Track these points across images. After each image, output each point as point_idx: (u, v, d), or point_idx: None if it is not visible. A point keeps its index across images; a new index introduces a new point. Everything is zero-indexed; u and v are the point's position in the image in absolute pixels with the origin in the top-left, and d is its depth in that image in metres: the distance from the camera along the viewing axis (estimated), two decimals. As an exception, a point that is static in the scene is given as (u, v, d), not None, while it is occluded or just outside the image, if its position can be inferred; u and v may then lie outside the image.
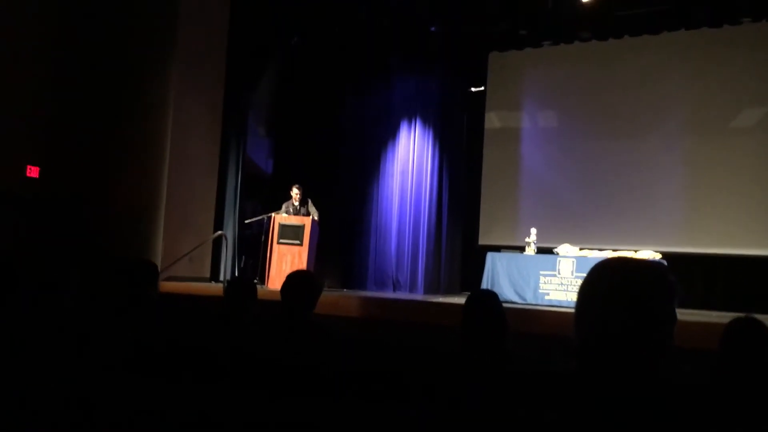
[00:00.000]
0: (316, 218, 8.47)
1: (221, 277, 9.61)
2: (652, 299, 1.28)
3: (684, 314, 6.86)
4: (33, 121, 7.01)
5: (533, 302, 8.14)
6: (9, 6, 6.96)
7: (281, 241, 8.32)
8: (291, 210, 8.55)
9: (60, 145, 7.03)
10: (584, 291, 1.35)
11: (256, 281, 4.68)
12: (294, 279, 3.31)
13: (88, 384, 1.85)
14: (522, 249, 8.84)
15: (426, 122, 10.82)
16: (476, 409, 1.47)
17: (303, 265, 8.00)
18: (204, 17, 9.50)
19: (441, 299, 8.61)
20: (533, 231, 8.81)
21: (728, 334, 2.58)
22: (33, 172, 7.07)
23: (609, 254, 7.83)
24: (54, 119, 7.03)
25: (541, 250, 8.69)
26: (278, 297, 3.26)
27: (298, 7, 9.98)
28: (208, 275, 9.87)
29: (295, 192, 8.58)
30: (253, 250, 9.45)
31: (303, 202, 8.61)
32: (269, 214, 8.69)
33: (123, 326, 2.88)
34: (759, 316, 2.63)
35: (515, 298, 8.28)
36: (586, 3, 8.90)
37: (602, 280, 1.33)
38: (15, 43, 6.95)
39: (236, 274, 9.86)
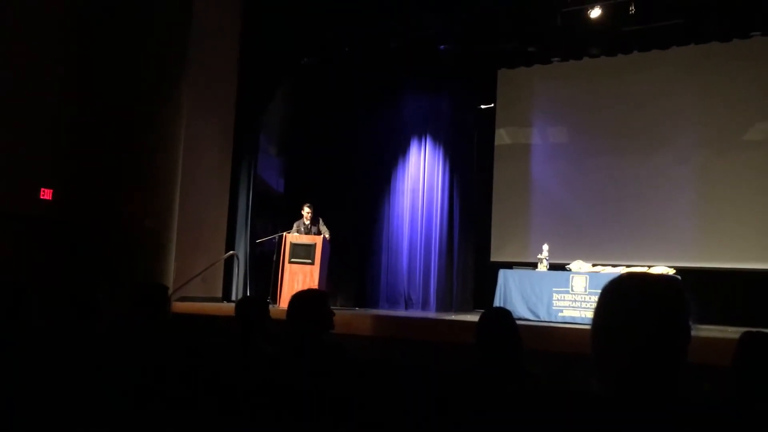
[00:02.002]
0: (327, 237, 8.46)
1: (233, 297, 9.62)
2: (669, 315, 1.26)
3: (699, 330, 6.79)
4: (46, 144, 7.07)
5: (547, 319, 8.07)
6: (20, 32, 7.05)
7: (293, 260, 8.31)
8: (302, 229, 8.55)
9: (72, 167, 7.09)
10: (600, 308, 1.33)
11: (268, 300, 4.66)
12: (298, 299, 3.14)
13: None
14: (534, 265, 8.78)
15: (436, 140, 10.85)
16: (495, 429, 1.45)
17: (315, 284, 7.99)
18: (215, 38, 9.58)
19: (454, 317, 8.56)
20: (545, 247, 8.75)
21: (740, 348, 2.56)
22: (46, 194, 7.12)
23: (622, 270, 7.77)
24: (66, 141, 7.09)
25: (553, 267, 8.63)
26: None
27: (309, 27, 10.06)
28: (220, 295, 9.87)
29: (306, 211, 8.59)
30: (265, 270, 9.45)
31: (314, 220, 8.61)
32: (281, 233, 8.70)
33: (138, 349, 2.87)
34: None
35: (529, 315, 8.21)
36: (594, 19, 8.91)
37: (618, 297, 1.32)
38: (27, 67, 7.04)
39: (248, 294, 9.85)
